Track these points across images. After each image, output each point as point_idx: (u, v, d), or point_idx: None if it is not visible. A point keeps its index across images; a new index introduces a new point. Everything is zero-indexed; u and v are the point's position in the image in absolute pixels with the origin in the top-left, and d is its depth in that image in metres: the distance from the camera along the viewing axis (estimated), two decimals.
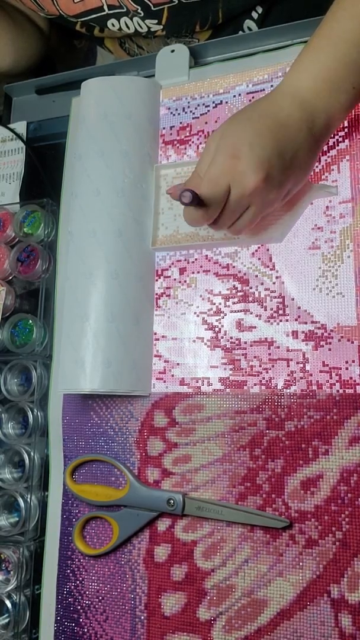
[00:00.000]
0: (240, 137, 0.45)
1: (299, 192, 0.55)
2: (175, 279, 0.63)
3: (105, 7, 0.71)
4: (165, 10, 0.70)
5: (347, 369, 0.54)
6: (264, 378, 0.57)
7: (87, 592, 0.60)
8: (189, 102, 0.68)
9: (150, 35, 0.75)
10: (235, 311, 0.60)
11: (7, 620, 0.62)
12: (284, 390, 0.56)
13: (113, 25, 0.74)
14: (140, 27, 0.73)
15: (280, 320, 0.58)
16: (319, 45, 0.45)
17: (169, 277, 0.64)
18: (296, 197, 0.56)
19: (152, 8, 0.69)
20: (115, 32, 0.75)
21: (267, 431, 0.56)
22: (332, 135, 0.57)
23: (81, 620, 0.60)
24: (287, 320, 0.58)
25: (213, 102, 0.66)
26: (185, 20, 0.72)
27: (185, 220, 0.49)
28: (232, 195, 0.46)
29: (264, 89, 0.64)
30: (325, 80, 0.45)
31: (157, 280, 0.64)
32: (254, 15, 0.75)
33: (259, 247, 0.60)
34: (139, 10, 0.70)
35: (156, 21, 0.71)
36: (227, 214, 0.48)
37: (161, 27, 0.72)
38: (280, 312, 0.58)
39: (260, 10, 0.75)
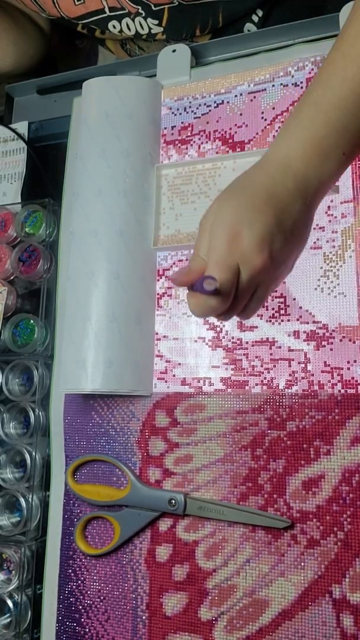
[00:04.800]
0: (238, 215, 0.43)
1: None
2: None
3: (106, 9, 0.71)
4: (166, 11, 0.70)
5: (348, 369, 0.54)
6: (265, 378, 0.57)
7: (89, 592, 0.60)
8: (190, 102, 0.68)
9: (151, 38, 0.75)
10: None
11: (8, 620, 0.62)
12: (286, 390, 0.56)
13: (114, 27, 0.74)
14: (142, 27, 0.73)
15: (282, 320, 0.58)
16: (309, 112, 0.43)
17: None
18: None
19: (153, 8, 0.69)
20: (116, 34, 0.75)
21: (269, 431, 0.56)
22: None
23: (83, 620, 0.60)
24: (288, 320, 0.58)
25: (214, 102, 0.66)
26: (186, 24, 0.72)
27: (195, 312, 0.45)
28: (243, 277, 0.43)
29: (265, 89, 0.64)
30: (316, 149, 0.43)
31: (158, 280, 0.64)
32: (254, 18, 0.75)
33: None
34: (140, 10, 0.70)
35: (157, 22, 0.71)
36: (240, 298, 0.44)
37: (162, 29, 0.72)
38: (282, 312, 0.58)
39: (260, 13, 0.75)
